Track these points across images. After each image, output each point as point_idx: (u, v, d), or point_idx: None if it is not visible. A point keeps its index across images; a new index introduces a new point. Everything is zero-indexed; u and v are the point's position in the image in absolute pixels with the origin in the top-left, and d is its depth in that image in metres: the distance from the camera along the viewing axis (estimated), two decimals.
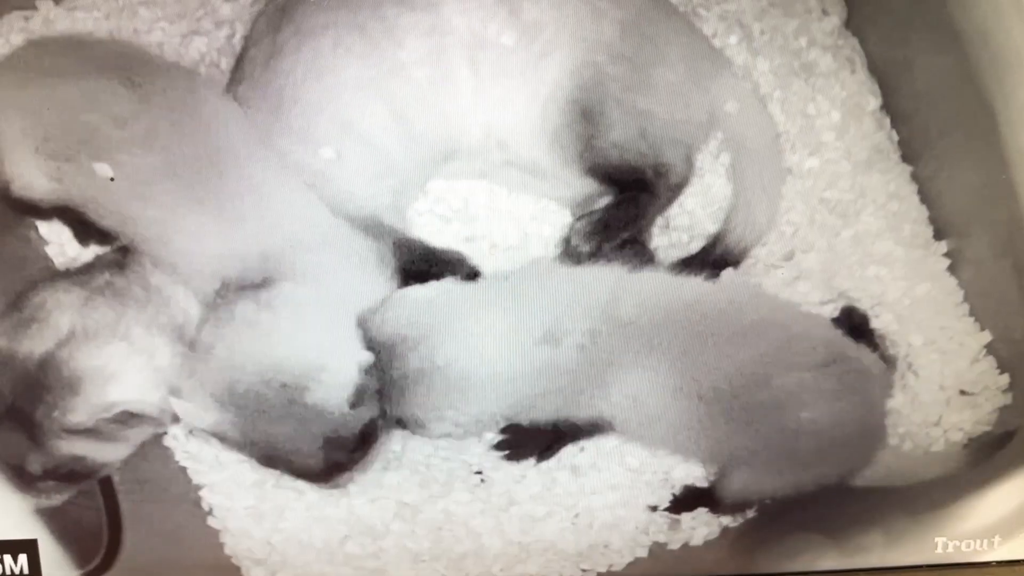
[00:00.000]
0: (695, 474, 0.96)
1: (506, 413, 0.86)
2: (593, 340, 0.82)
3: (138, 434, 0.85)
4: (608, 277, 0.85)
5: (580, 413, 0.86)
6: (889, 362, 0.94)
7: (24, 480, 0.82)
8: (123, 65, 0.85)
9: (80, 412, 0.79)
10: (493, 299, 0.84)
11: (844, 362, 0.84)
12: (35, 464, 0.81)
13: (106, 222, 0.84)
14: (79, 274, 0.85)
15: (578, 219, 0.93)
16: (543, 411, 0.85)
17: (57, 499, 0.85)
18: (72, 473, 0.83)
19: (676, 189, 0.96)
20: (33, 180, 0.84)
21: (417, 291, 0.84)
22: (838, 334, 0.88)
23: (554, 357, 0.82)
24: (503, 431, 0.93)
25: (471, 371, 0.81)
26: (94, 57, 0.86)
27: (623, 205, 0.92)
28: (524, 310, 0.83)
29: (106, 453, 0.84)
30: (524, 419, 0.87)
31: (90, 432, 0.80)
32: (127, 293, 0.83)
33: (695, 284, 0.87)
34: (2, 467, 0.82)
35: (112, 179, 0.81)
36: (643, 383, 0.83)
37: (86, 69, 0.84)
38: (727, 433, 0.83)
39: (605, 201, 0.93)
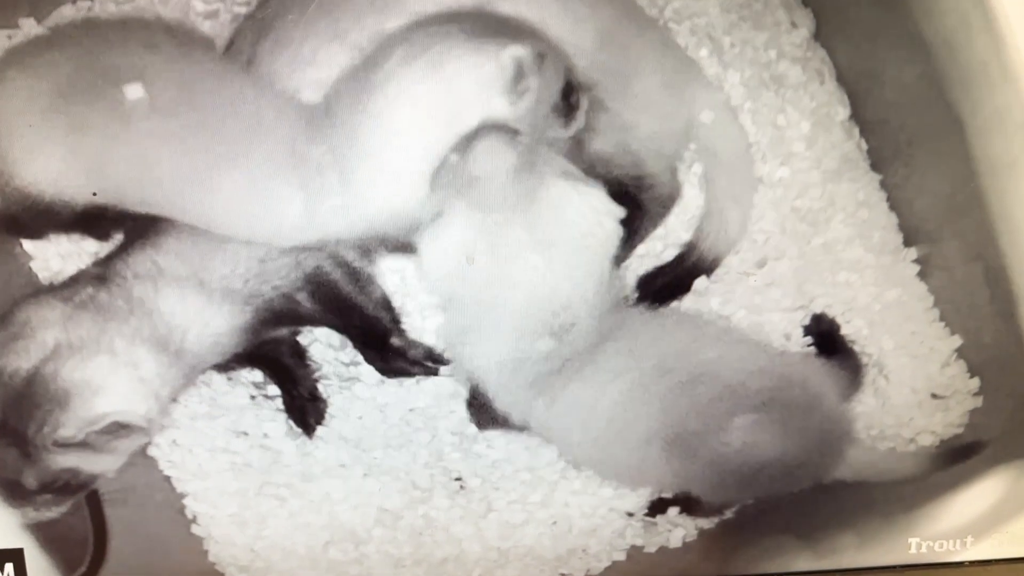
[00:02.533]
0: None
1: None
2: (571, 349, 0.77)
3: (128, 444, 0.81)
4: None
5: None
6: (858, 368, 0.90)
7: (21, 495, 0.78)
8: (141, 35, 0.80)
9: (70, 426, 0.74)
10: None
11: (789, 394, 0.79)
12: (30, 479, 0.76)
13: (145, 204, 0.79)
14: (62, 289, 0.81)
15: None
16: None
17: (55, 511, 0.80)
18: (67, 486, 0.78)
19: (667, 203, 0.92)
20: (66, 178, 0.78)
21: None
22: (788, 362, 0.84)
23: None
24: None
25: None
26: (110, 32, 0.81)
27: None
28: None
29: (99, 464, 0.80)
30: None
31: (82, 445, 0.76)
32: (110, 306, 0.79)
33: (659, 319, 0.83)
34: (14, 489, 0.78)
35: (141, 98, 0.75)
36: (600, 411, 0.78)
37: (104, 44, 0.79)
38: (686, 468, 0.78)
39: None
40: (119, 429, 0.76)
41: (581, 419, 0.79)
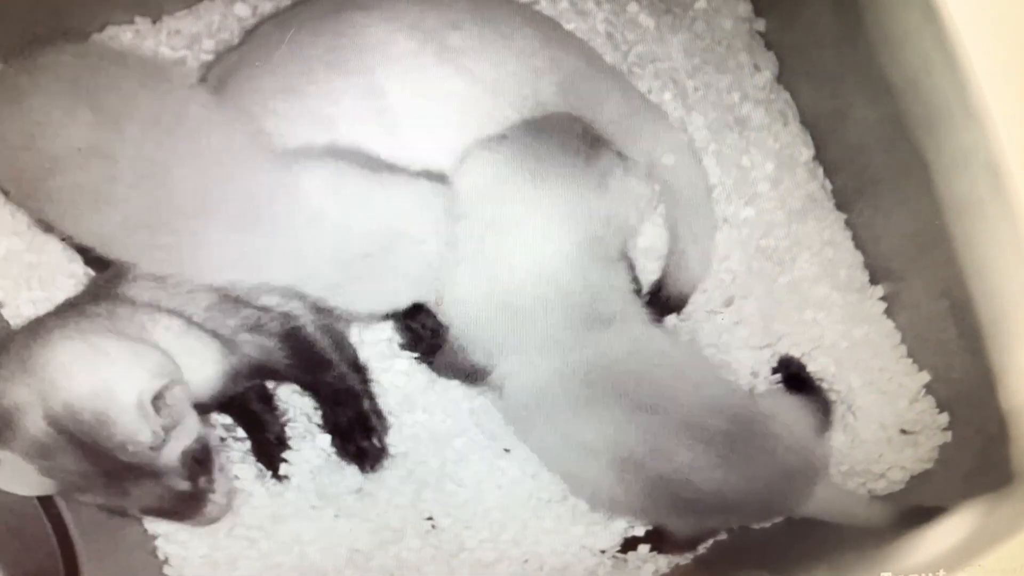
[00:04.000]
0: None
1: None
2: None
3: (182, 396, 0.75)
4: None
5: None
6: (826, 406, 0.86)
7: (195, 499, 0.75)
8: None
9: (134, 430, 0.69)
10: None
11: (750, 429, 0.75)
12: (178, 482, 0.73)
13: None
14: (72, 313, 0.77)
15: None
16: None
17: (221, 477, 0.78)
18: (198, 458, 0.75)
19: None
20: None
21: None
22: (746, 398, 0.82)
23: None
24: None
25: None
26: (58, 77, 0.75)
27: None
28: None
29: (194, 425, 0.76)
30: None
31: (166, 430, 0.71)
32: (120, 327, 0.74)
33: (630, 336, 0.77)
34: (177, 505, 0.75)
35: None
36: (558, 429, 0.76)
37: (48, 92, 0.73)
38: (645, 494, 0.75)
39: None
40: (163, 399, 0.72)
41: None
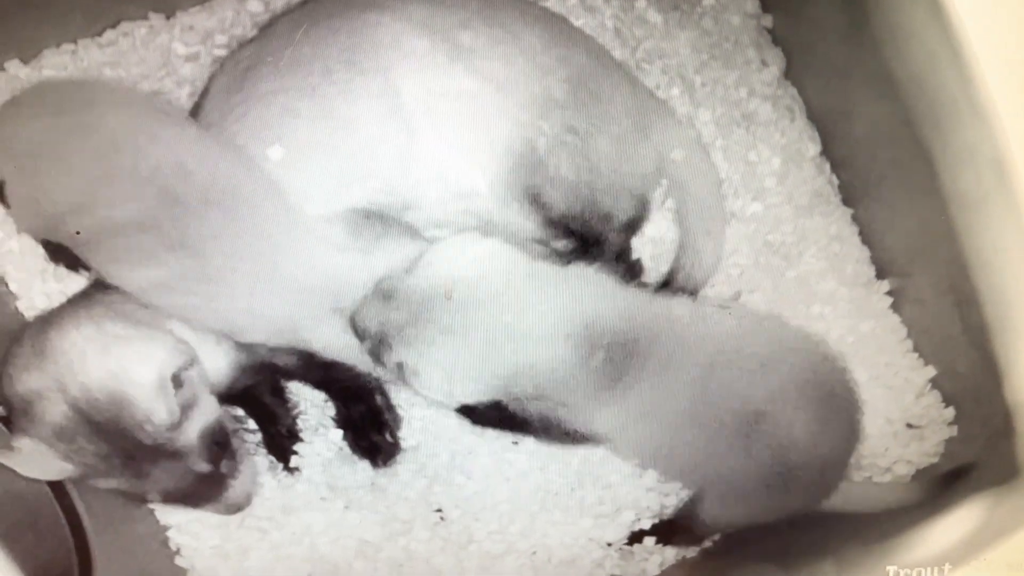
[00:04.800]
0: (644, 505, 0.90)
1: (498, 385, 0.76)
2: (608, 355, 0.75)
3: (198, 376, 0.77)
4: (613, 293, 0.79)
5: (574, 419, 0.78)
6: None
7: (214, 483, 0.77)
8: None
9: (151, 409, 0.70)
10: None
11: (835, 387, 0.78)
12: (198, 463, 0.75)
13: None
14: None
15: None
16: (534, 402, 0.77)
17: (244, 450, 0.81)
18: (221, 438, 0.77)
19: (628, 228, 0.89)
20: None
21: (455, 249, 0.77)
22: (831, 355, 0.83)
23: (567, 357, 0.74)
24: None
25: (486, 331, 0.74)
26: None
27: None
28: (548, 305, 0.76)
29: (210, 404, 0.77)
30: (511, 401, 0.78)
31: (184, 411, 0.73)
32: (133, 315, 0.76)
33: (710, 311, 0.81)
34: (197, 488, 0.76)
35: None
36: (649, 403, 0.76)
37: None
38: (722, 458, 0.77)
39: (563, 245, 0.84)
40: (177, 380, 0.73)
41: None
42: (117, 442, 0.71)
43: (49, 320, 0.77)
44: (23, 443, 0.71)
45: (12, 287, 0.88)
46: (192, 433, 0.75)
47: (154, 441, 0.72)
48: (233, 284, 0.76)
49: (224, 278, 0.75)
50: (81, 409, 0.70)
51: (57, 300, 0.86)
